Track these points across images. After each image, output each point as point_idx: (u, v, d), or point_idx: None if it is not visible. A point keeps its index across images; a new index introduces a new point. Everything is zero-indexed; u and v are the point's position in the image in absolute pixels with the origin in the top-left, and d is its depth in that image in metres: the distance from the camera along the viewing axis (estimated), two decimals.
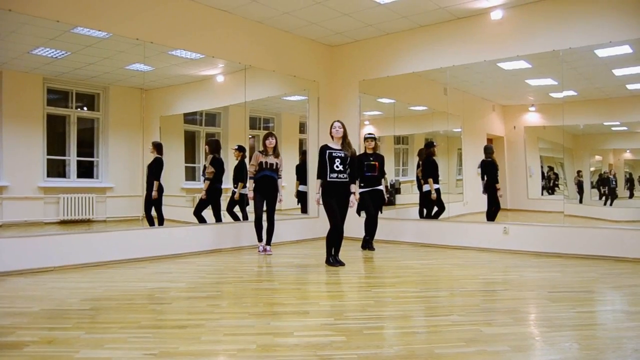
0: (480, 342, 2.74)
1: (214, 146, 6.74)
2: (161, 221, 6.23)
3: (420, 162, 7.28)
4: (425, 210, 7.20)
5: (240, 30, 6.93)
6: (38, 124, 6.03)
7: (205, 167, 6.71)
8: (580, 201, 6.93)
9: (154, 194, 6.17)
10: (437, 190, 6.98)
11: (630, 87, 6.72)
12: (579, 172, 7.05)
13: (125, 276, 4.82)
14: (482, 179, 6.96)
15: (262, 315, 3.41)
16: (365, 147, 6.55)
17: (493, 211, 6.75)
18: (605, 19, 5.72)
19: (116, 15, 5.60)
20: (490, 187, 6.80)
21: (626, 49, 5.86)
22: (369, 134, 6.58)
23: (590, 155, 7.20)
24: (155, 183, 6.22)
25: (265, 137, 6.06)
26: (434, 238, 7.04)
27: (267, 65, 7.33)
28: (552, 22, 6.10)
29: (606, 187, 6.93)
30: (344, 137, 5.26)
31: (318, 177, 5.29)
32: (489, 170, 6.86)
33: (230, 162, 7.16)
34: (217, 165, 6.62)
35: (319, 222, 7.75)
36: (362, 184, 6.34)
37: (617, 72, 6.58)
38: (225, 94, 7.68)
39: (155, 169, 6.24)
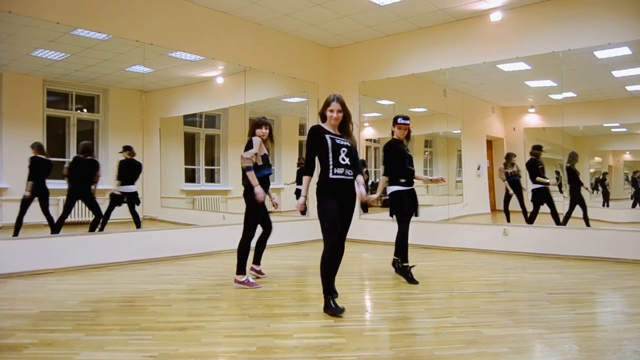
0: (480, 344, 2.75)
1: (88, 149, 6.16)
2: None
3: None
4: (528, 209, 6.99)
5: (240, 32, 6.94)
6: (38, 125, 6.02)
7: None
8: (604, 204, 6.95)
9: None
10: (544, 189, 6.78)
11: (629, 88, 6.73)
12: (605, 173, 7.07)
13: (125, 278, 4.82)
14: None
15: (261, 317, 3.41)
16: (396, 135, 4.84)
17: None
18: (604, 20, 5.73)
19: (116, 17, 5.61)
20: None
21: (625, 51, 5.86)
22: (404, 117, 4.84)
23: (590, 156, 7.21)
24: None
25: (258, 126, 4.58)
26: (434, 240, 7.03)
27: (266, 67, 7.34)
28: (551, 24, 6.11)
29: (634, 189, 6.91)
30: (344, 123, 3.72)
31: (305, 173, 3.72)
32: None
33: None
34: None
35: (317, 223, 7.74)
36: (402, 180, 4.74)
37: (617, 73, 6.59)
38: (225, 95, 7.69)
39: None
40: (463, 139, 7.55)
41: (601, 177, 7.18)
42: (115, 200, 6.21)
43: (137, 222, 6.20)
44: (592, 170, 7.22)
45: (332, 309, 3.41)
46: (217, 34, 6.66)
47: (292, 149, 8.75)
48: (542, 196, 6.69)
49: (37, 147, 5.64)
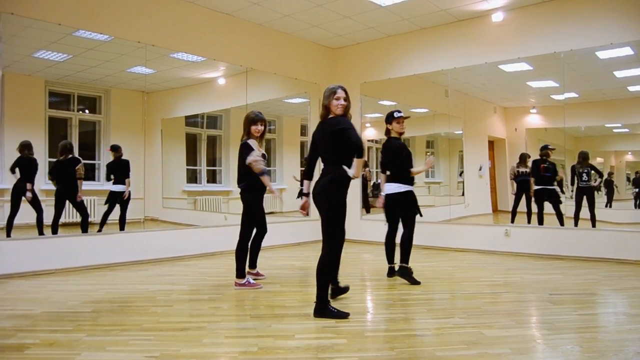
0: (482, 345, 2.74)
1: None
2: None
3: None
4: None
5: (241, 33, 6.94)
6: (40, 126, 6.04)
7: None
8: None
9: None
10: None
11: (631, 88, 6.72)
12: (610, 173, 7.05)
13: (127, 278, 4.82)
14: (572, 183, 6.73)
15: (263, 317, 3.41)
16: (394, 131, 4.67)
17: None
18: (606, 20, 5.73)
19: (118, 18, 5.62)
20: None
21: (627, 51, 5.86)
22: (399, 111, 4.65)
23: (592, 157, 7.19)
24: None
25: (254, 122, 4.51)
26: (436, 240, 7.02)
27: (268, 67, 7.34)
28: (553, 24, 6.10)
29: (637, 190, 6.90)
30: (346, 112, 3.62)
31: (306, 177, 3.69)
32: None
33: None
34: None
35: (318, 224, 7.75)
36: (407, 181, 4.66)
37: (618, 73, 6.58)
38: (227, 96, 7.69)
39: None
40: (465, 140, 7.54)
41: (607, 177, 7.15)
42: (113, 200, 6.21)
43: (121, 223, 6.12)
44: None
45: (336, 314, 3.32)
46: (218, 35, 6.67)
47: (293, 150, 8.75)
48: (543, 196, 6.68)
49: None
